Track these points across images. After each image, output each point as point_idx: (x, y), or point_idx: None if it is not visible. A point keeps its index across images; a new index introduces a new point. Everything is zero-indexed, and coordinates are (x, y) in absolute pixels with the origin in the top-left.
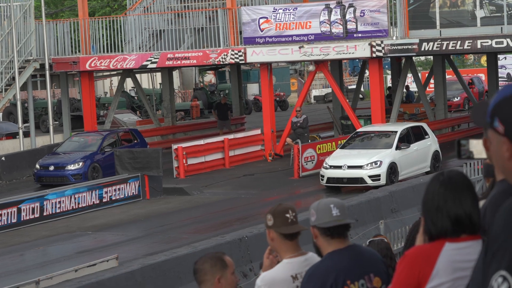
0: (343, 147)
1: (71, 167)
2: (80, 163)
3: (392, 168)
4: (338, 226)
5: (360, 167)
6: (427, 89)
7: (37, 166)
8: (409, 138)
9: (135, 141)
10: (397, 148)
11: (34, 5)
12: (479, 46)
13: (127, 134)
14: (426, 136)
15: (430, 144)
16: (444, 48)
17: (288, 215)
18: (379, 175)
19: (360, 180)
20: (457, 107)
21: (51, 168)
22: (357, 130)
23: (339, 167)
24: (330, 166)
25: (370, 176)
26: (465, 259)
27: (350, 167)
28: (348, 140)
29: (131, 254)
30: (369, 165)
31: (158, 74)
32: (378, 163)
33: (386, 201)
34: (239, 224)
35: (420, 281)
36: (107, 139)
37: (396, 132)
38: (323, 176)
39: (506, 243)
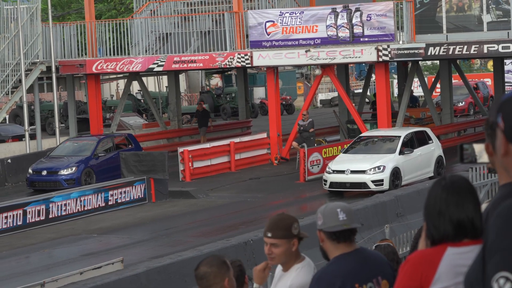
0: (346, 151)
1: (64, 171)
2: (73, 168)
3: (395, 173)
4: (345, 231)
5: (363, 171)
6: (433, 93)
7: (30, 170)
8: (412, 143)
9: (130, 146)
10: (401, 153)
11: (41, 8)
12: (485, 50)
13: (122, 138)
14: (430, 141)
15: (433, 149)
16: (450, 52)
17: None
18: (382, 180)
19: (363, 185)
20: (461, 112)
21: (44, 172)
22: (361, 135)
23: (342, 171)
24: (333, 171)
25: (373, 181)
26: (467, 263)
27: (353, 171)
28: (352, 145)
29: (136, 257)
30: (372, 170)
31: (165, 77)
32: (381, 168)
33: (391, 205)
34: (245, 228)
35: (422, 285)
36: (101, 144)
37: (399, 137)
38: (326, 181)
39: (503, 244)
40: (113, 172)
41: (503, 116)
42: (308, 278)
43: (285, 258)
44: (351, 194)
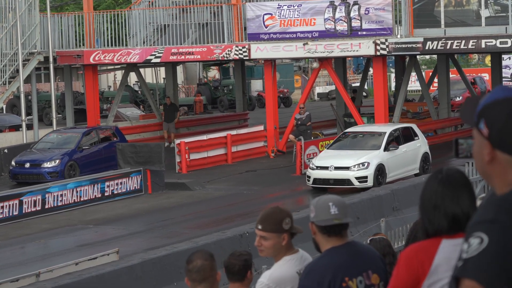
0: (330, 147)
1: (47, 164)
2: (57, 161)
3: (380, 170)
4: (336, 225)
5: (347, 168)
6: (431, 88)
7: (13, 163)
8: (398, 139)
9: (115, 139)
10: (386, 149)
11: None
12: (483, 45)
13: (107, 132)
14: (416, 138)
15: (419, 145)
16: (448, 47)
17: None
18: (366, 177)
19: (347, 181)
20: (459, 106)
21: (27, 165)
22: (345, 130)
23: (326, 168)
24: (317, 167)
25: (357, 178)
26: None
27: (337, 168)
28: (336, 140)
29: (132, 248)
30: (356, 166)
31: (162, 69)
32: (366, 164)
33: (387, 199)
34: (241, 220)
35: (419, 277)
36: (86, 137)
37: (384, 133)
38: (309, 177)
39: (477, 218)
40: (97, 165)
41: (487, 122)
42: (292, 271)
43: (274, 251)
44: (335, 191)
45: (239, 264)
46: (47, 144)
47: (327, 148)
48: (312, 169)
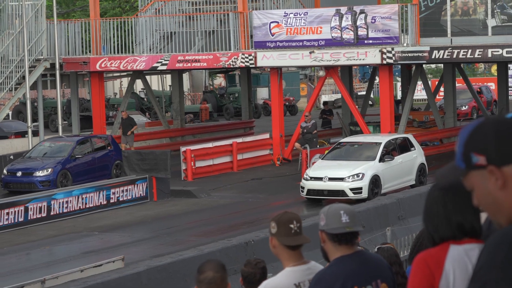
0: (325, 157)
1: (39, 173)
2: (49, 170)
3: (375, 181)
4: (347, 233)
5: (341, 179)
6: (437, 97)
7: (5, 171)
8: (394, 150)
9: (109, 147)
10: (381, 160)
11: (45, 5)
12: (489, 55)
13: (101, 140)
14: (412, 148)
15: (415, 156)
16: (454, 56)
17: (292, 226)
18: (361, 188)
19: (341, 192)
20: (464, 115)
21: (19, 174)
22: (341, 141)
23: (320, 179)
24: (311, 178)
25: (351, 189)
26: (471, 261)
27: (331, 179)
28: (331, 151)
29: (137, 255)
30: (351, 177)
31: (168, 76)
32: (360, 175)
33: (393, 208)
34: (246, 228)
35: (432, 283)
36: (79, 146)
37: (380, 143)
38: (303, 188)
39: (488, 276)
40: (91, 174)
41: (478, 151)
42: (288, 283)
43: (276, 255)
44: (329, 202)
45: (260, 273)
46: (40, 153)
47: (322, 159)
48: (306, 179)
